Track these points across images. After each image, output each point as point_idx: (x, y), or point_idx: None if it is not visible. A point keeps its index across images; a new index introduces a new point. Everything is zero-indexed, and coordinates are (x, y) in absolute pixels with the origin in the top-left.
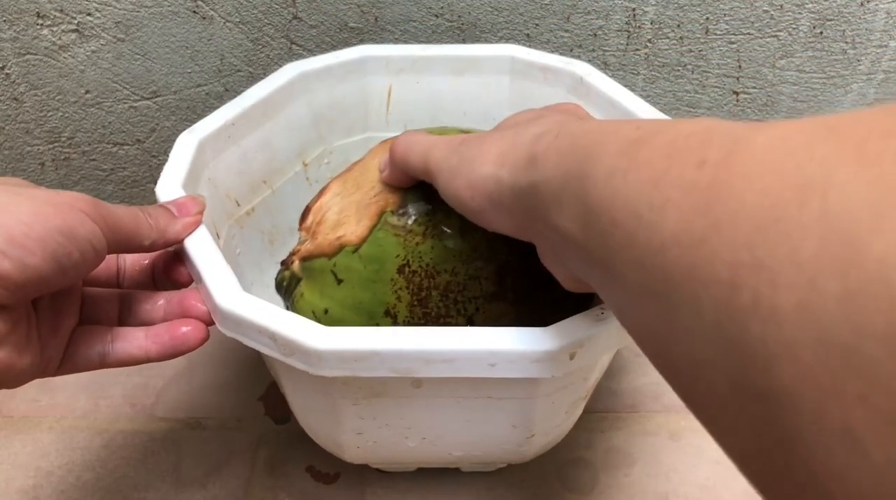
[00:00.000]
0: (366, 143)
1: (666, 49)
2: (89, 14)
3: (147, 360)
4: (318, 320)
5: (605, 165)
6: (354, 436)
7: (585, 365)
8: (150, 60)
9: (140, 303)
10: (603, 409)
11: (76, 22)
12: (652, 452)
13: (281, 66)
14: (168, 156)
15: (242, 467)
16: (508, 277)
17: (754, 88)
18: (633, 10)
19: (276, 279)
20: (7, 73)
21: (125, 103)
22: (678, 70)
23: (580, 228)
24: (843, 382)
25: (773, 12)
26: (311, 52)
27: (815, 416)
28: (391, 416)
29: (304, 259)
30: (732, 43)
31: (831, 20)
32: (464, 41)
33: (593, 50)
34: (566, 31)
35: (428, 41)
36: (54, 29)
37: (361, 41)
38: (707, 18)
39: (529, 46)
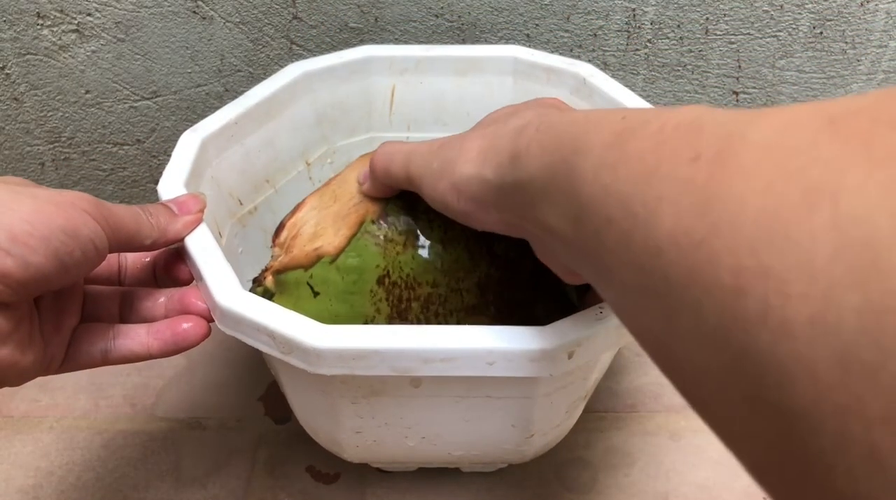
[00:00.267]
0: (369, 143)
1: (666, 49)
2: (89, 14)
3: (149, 356)
4: None
5: (593, 159)
6: (354, 435)
7: (584, 364)
8: (150, 60)
9: (141, 300)
10: (603, 409)
11: (76, 22)
12: (652, 452)
13: (281, 66)
14: (168, 156)
15: (242, 467)
16: (490, 289)
17: (754, 88)
18: (633, 10)
19: None
20: (7, 74)
21: (125, 103)
22: (678, 70)
23: (571, 225)
24: (867, 402)
25: (772, 12)
26: (312, 53)
27: (836, 437)
28: (390, 415)
29: (277, 272)
30: (732, 43)
31: (831, 20)
32: (464, 41)
33: (593, 50)
34: (566, 31)
35: (428, 41)
36: (54, 29)
37: (361, 41)
38: (707, 19)
39: (529, 47)
